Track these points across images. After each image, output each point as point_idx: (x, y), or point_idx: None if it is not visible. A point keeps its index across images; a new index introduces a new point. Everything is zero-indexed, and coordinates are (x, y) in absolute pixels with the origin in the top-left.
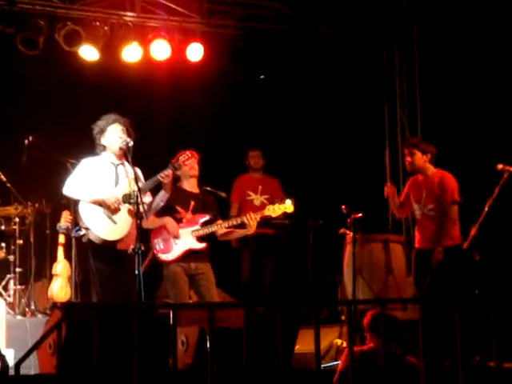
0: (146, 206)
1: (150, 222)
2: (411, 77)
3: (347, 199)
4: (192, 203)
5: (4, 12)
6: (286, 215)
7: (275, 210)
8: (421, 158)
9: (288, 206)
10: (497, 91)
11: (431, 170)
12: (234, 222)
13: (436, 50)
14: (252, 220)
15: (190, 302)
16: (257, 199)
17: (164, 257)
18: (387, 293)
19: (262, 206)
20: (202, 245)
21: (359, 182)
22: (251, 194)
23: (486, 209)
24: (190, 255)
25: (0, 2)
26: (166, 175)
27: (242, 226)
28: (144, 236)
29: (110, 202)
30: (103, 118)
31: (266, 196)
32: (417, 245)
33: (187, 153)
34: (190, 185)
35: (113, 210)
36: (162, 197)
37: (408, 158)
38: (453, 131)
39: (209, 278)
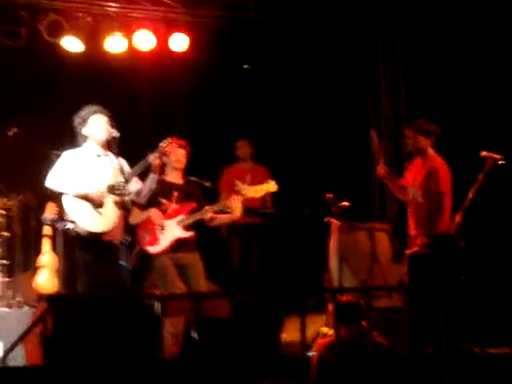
0: (134, 194)
1: (135, 217)
2: (395, 65)
3: (332, 188)
4: (175, 194)
5: None
6: (271, 197)
7: (257, 191)
8: (423, 141)
9: (271, 185)
10: (481, 78)
11: (430, 154)
12: (218, 207)
13: (419, 38)
14: (235, 202)
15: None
16: (244, 189)
17: (152, 249)
18: (373, 281)
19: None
20: (189, 233)
21: (344, 171)
22: (238, 183)
23: (470, 195)
24: (177, 246)
25: None
26: (154, 157)
27: (228, 211)
28: (129, 228)
29: (94, 195)
30: (84, 108)
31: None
32: (409, 231)
33: (169, 139)
34: (173, 176)
35: (97, 204)
36: (152, 179)
37: (409, 140)
38: (438, 119)
39: (197, 267)
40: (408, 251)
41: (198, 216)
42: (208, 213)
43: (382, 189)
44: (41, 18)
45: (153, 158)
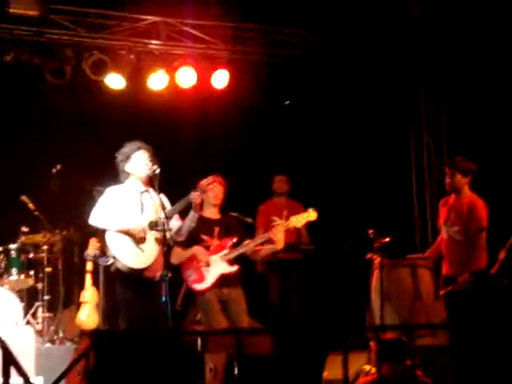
0: (174, 231)
1: (177, 256)
2: (437, 101)
3: (374, 224)
4: (216, 229)
5: (32, 42)
6: (307, 230)
7: (299, 220)
8: (461, 180)
9: (311, 214)
10: None
11: (466, 192)
12: (261, 240)
13: (461, 73)
14: (278, 233)
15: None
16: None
17: (199, 287)
18: (415, 318)
19: (287, 231)
20: (235, 268)
21: (386, 207)
22: (276, 219)
23: None
24: (222, 281)
25: (28, 33)
26: (196, 195)
27: (271, 242)
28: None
29: (136, 231)
30: (127, 145)
31: None
32: (443, 271)
33: (210, 177)
34: (211, 212)
35: (139, 239)
36: (193, 217)
37: (448, 179)
38: (479, 155)
39: (240, 303)
40: (443, 291)
41: (241, 249)
42: (251, 245)
43: (424, 224)
44: (85, 56)
45: (194, 196)
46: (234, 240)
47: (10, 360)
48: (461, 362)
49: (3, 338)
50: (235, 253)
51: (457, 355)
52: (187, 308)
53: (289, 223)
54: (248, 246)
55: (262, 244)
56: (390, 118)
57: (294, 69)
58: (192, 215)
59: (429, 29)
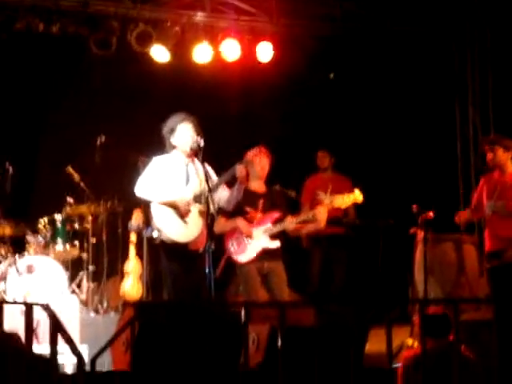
0: (224, 201)
1: (221, 226)
2: (484, 75)
3: (418, 198)
4: (261, 202)
5: (77, 13)
6: (354, 209)
7: (344, 201)
8: (503, 155)
9: (357, 195)
10: None
11: (510, 167)
12: (305, 217)
13: (510, 47)
14: (322, 212)
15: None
16: (327, 199)
17: (239, 258)
18: (459, 293)
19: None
20: (276, 243)
21: (430, 181)
22: (320, 193)
23: None
24: (263, 255)
25: (73, 4)
26: (240, 168)
27: (313, 221)
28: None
29: (181, 204)
30: (172, 117)
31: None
32: (487, 247)
33: (255, 149)
34: (257, 184)
35: (184, 212)
36: (239, 190)
37: (489, 155)
38: None
39: (281, 276)
40: (489, 265)
41: (284, 225)
42: (294, 222)
43: (469, 199)
44: (131, 28)
45: (239, 169)
46: (277, 215)
47: (58, 328)
48: (506, 336)
49: (51, 307)
50: (277, 228)
51: (502, 329)
52: (229, 279)
53: (333, 202)
54: (290, 222)
55: (303, 222)
56: (435, 92)
57: (340, 42)
58: (238, 187)
59: (478, 1)
